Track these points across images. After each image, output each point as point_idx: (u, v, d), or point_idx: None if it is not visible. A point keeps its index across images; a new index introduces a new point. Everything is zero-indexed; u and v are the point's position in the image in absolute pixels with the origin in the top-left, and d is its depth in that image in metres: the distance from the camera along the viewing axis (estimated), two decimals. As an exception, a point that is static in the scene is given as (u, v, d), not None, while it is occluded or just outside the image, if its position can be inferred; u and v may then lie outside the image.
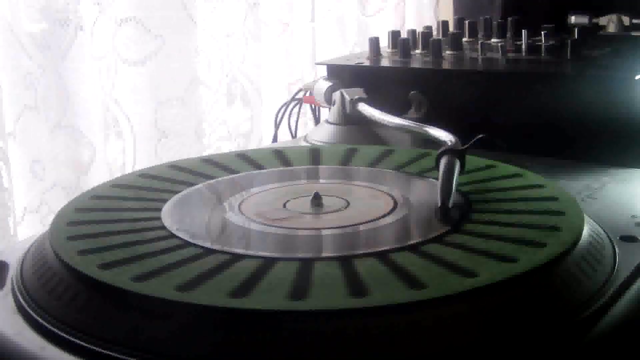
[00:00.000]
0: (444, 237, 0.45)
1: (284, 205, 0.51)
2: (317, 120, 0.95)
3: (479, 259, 0.41)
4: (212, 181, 0.57)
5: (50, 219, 0.49)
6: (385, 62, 0.86)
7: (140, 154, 0.94)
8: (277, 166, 0.61)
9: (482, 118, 0.75)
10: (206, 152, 1.00)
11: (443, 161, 0.53)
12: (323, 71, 0.86)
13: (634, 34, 0.98)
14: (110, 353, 0.36)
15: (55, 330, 0.38)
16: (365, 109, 0.72)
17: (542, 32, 0.88)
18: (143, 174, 0.58)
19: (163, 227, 0.47)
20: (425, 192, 0.54)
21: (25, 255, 0.47)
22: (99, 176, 0.86)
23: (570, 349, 0.37)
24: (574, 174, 0.64)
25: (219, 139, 1.04)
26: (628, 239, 0.48)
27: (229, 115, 1.07)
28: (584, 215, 0.47)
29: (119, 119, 0.93)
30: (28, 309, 0.41)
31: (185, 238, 0.45)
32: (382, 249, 0.43)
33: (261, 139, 1.13)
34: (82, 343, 0.37)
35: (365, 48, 0.90)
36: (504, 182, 0.54)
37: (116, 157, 0.94)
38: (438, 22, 1.03)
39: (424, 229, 0.48)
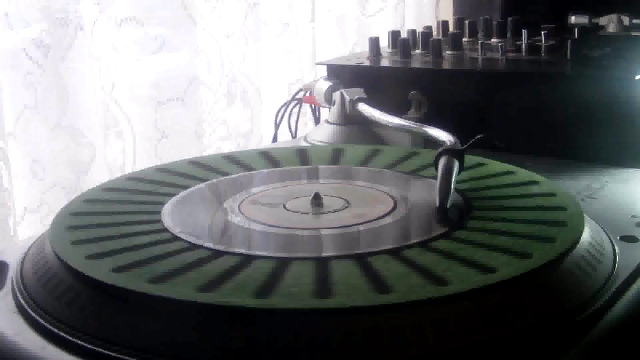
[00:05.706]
0: (434, 241, 0.44)
1: (284, 205, 0.51)
2: (317, 120, 0.95)
3: (477, 261, 0.41)
4: (213, 181, 0.57)
5: (50, 219, 0.49)
6: (385, 62, 0.86)
7: (140, 154, 0.94)
8: (265, 167, 0.61)
9: (482, 118, 0.75)
10: (206, 152, 1.00)
11: (442, 161, 0.53)
12: (323, 71, 0.86)
13: (634, 34, 0.98)
14: (111, 353, 0.36)
15: (55, 330, 0.39)
16: (365, 109, 0.72)
17: (542, 32, 0.88)
18: (131, 177, 0.59)
19: (163, 227, 0.47)
20: (425, 192, 0.54)
21: (25, 255, 0.47)
22: (99, 176, 0.86)
23: (570, 349, 0.37)
24: (574, 174, 0.64)
25: (219, 139, 1.04)
26: (628, 239, 0.48)
27: (229, 115, 1.07)
28: (584, 215, 0.47)
29: (119, 119, 0.93)
30: (28, 309, 0.41)
31: (188, 239, 0.45)
32: (360, 251, 0.43)
33: (261, 139, 1.13)
34: (82, 343, 0.37)
35: (365, 48, 0.90)
36: (500, 178, 0.54)
37: (116, 157, 0.94)
38: (438, 22, 1.03)
39: (421, 230, 0.48)
